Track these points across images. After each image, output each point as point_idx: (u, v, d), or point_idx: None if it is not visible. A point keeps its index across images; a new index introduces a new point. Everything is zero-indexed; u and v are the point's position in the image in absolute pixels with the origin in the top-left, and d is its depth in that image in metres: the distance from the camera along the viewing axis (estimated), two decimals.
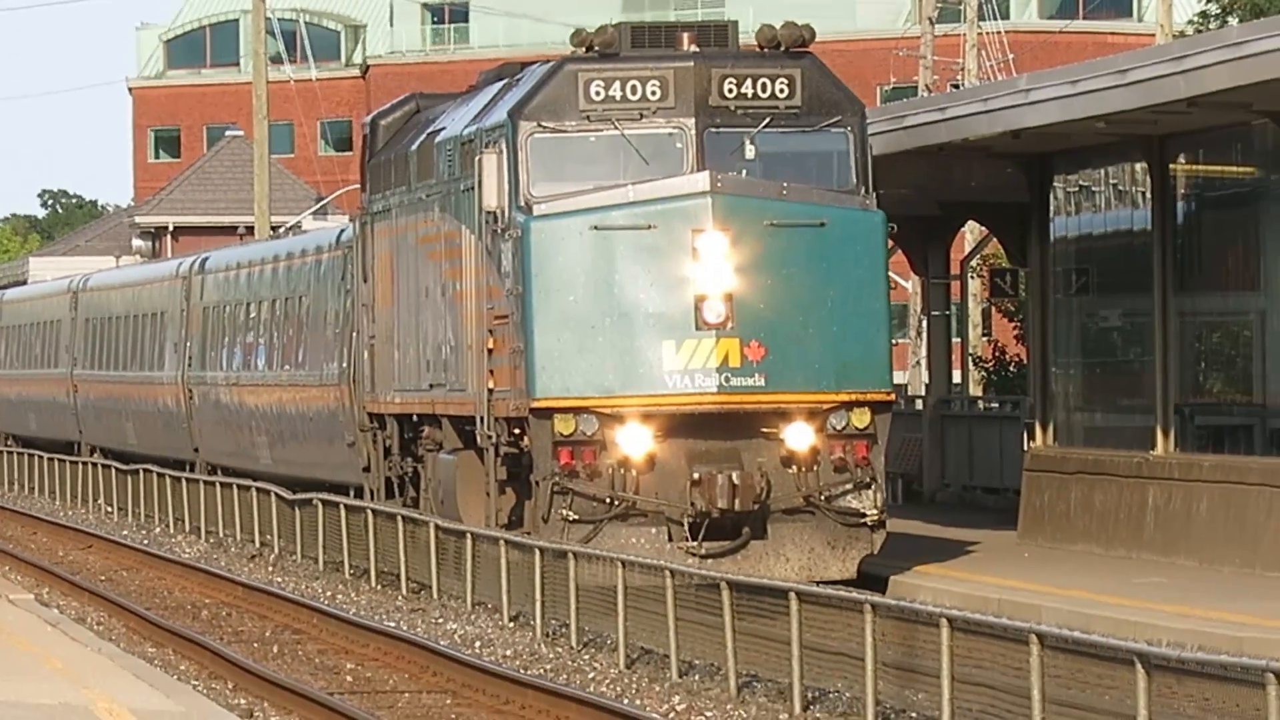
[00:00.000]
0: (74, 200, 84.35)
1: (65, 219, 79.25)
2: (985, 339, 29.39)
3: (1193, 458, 14.50)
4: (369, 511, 15.90)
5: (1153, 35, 29.06)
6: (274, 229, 30.17)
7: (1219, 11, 27.80)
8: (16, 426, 31.61)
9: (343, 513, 16.48)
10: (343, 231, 19.45)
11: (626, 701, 10.39)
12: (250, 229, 32.36)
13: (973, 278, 26.66)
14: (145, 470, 22.54)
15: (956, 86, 29.51)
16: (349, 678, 11.61)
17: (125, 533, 21.34)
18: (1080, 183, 16.22)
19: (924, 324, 22.25)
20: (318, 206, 39.63)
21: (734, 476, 13.09)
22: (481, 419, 14.04)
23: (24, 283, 39.15)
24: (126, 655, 11.89)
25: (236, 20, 55.45)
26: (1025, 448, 17.16)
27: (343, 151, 53.40)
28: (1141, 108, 13.39)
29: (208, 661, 11.97)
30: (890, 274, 13.82)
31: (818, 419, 13.32)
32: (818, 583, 11.70)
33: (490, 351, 13.96)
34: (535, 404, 13.34)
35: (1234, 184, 14.78)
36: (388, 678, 11.56)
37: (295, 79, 45.14)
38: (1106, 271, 15.93)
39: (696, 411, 13.22)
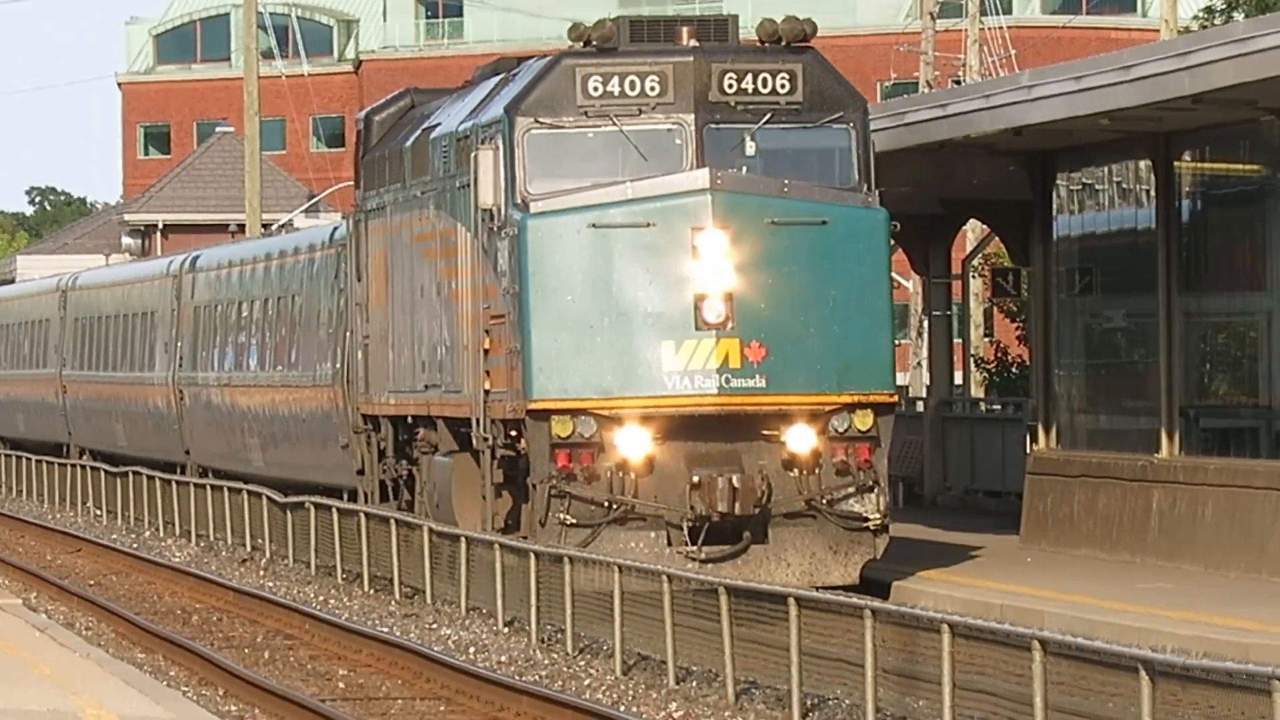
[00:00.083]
0: (62, 197, 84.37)
1: (54, 216, 79.24)
2: (987, 340, 29.41)
3: (1198, 461, 14.49)
4: (362, 515, 15.89)
5: (1157, 31, 29.08)
6: (265, 227, 30.16)
7: (1224, 7, 27.82)
8: (4, 428, 31.58)
9: (335, 516, 16.44)
10: (336, 229, 19.42)
11: (623, 708, 10.39)
12: (241, 227, 32.34)
13: (974, 277, 26.65)
14: (135, 472, 22.51)
15: (958, 82, 29.52)
16: (341, 684, 11.60)
17: (115, 536, 21.32)
18: (1084, 181, 16.20)
19: (925, 324, 22.24)
20: (310, 204, 39.63)
21: (734, 479, 13.07)
22: (477, 421, 14.01)
23: (12, 281, 39.13)
24: (115, 661, 11.85)
25: (228, 14, 55.44)
26: (1028, 450, 17.15)
27: (335, 148, 53.37)
28: (1146, 104, 13.37)
29: (198, 667, 11.95)
30: (891, 273, 13.83)
31: (819, 421, 13.28)
32: (819, 588, 11.68)
33: (486, 352, 13.92)
34: (532, 405, 13.30)
35: (1240, 182, 14.76)
36: (380, 684, 11.54)
37: (287, 74, 45.14)
38: (1110, 271, 15.91)
39: (696, 413, 13.19)
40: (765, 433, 13.27)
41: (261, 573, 17.47)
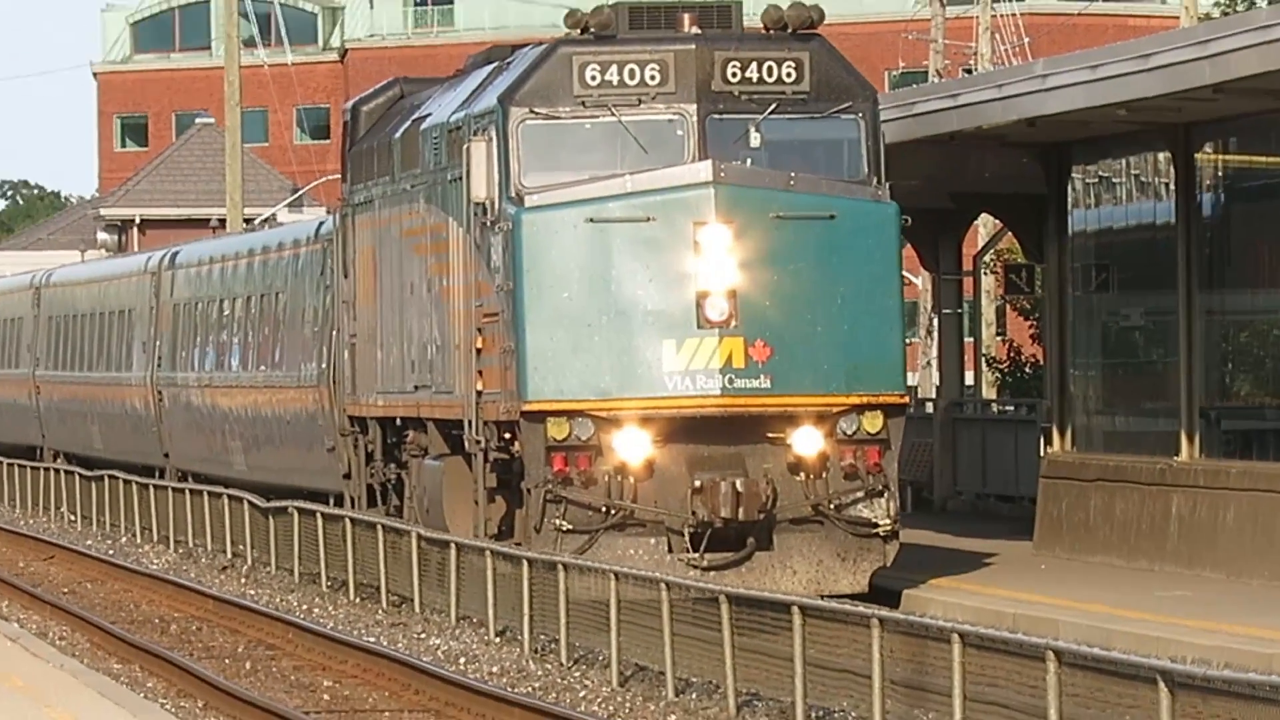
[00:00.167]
0: (36, 191, 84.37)
1: (26, 211, 79.25)
2: (999, 338, 29.39)
3: (1219, 464, 14.47)
4: (347, 520, 15.88)
5: (1177, 18, 29.12)
6: (247, 222, 30.16)
7: None
8: None
9: (320, 521, 16.44)
10: (322, 224, 19.41)
11: None
12: (222, 222, 32.33)
13: (986, 274, 26.68)
14: (111, 476, 22.48)
15: (969, 71, 29.55)
16: (326, 696, 11.58)
17: (90, 543, 21.29)
18: (1100, 173, 16.19)
19: (935, 322, 22.27)
20: (293, 198, 39.64)
21: (738, 484, 13.01)
22: (469, 423, 13.95)
23: None
24: (90, 672, 11.85)
25: (207, 1, 55.40)
26: (1042, 453, 17.14)
27: (320, 140, 53.38)
28: (1165, 94, 13.36)
29: (176, 679, 11.94)
30: (902, 270, 13.74)
31: (827, 423, 13.22)
32: (826, 597, 11.66)
33: (479, 351, 13.87)
34: (527, 407, 13.25)
35: (1263, 175, 14.75)
36: (367, 696, 11.52)
37: (270, 63, 45.13)
38: (1128, 267, 15.89)
39: (698, 415, 13.13)
40: (770, 435, 13.22)
41: (243, 580, 17.45)
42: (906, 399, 13.52)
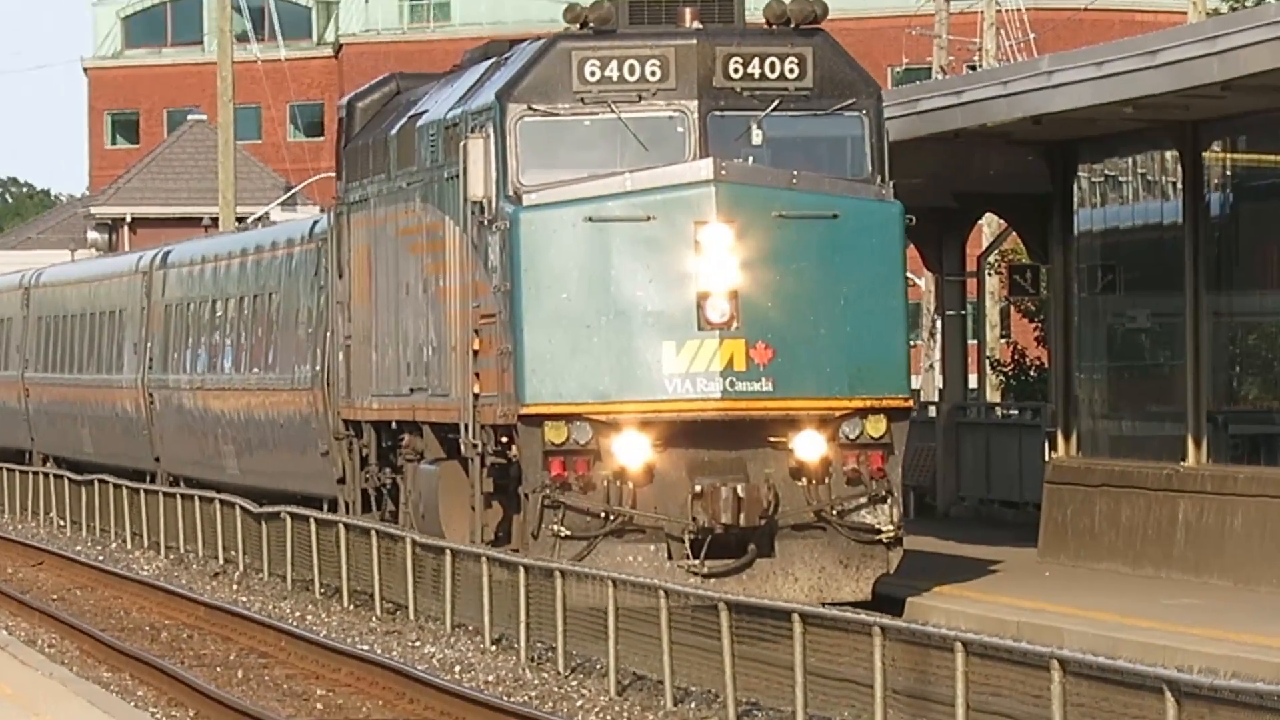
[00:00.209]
0: (25, 189, 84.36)
1: (15, 209, 79.26)
2: (1003, 341, 29.38)
3: (1227, 469, 14.44)
4: (341, 525, 15.83)
5: (1184, 13, 29.09)
6: (240, 220, 30.13)
7: None
8: None
9: (313, 527, 16.41)
10: (316, 223, 19.37)
11: None
12: (215, 220, 32.32)
13: (990, 275, 26.66)
14: (101, 481, 22.45)
15: (973, 68, 29.52)
16: (319, 705, 11.54)
17: (79, 548, 21.27)
18: (1106, 172, 16.17)
19: (938, 324, 22.23)
20: (287, 196, 39.61)
21: (739, 489, 12.96)
22: (466, 426, 13.90)
23: None
24: (80, 680, 11.84)
25: None
26: (1046, 458, 17.10)
27: (314, 137, 53.37)
28: (1172, 91, 13.32)
29: (167, 687, 11.90)
30: (906, 270, 13.69)
31: (829, 427, 13.17)
32: (828, 604, 11.59)
33: (476, 353, 13.82)
34: (524, 410, 13.20)
35: (1272, 174, 14.73)
36: (361, 705, 11.50)
37: (263, 59, 45.11)
38: (1134, 268, 15.86)
39: (699, 419, 13.09)
40: (772, 439, 13.17)
41: (235, 587, 17.43)
42: (911, 402, 13.46)
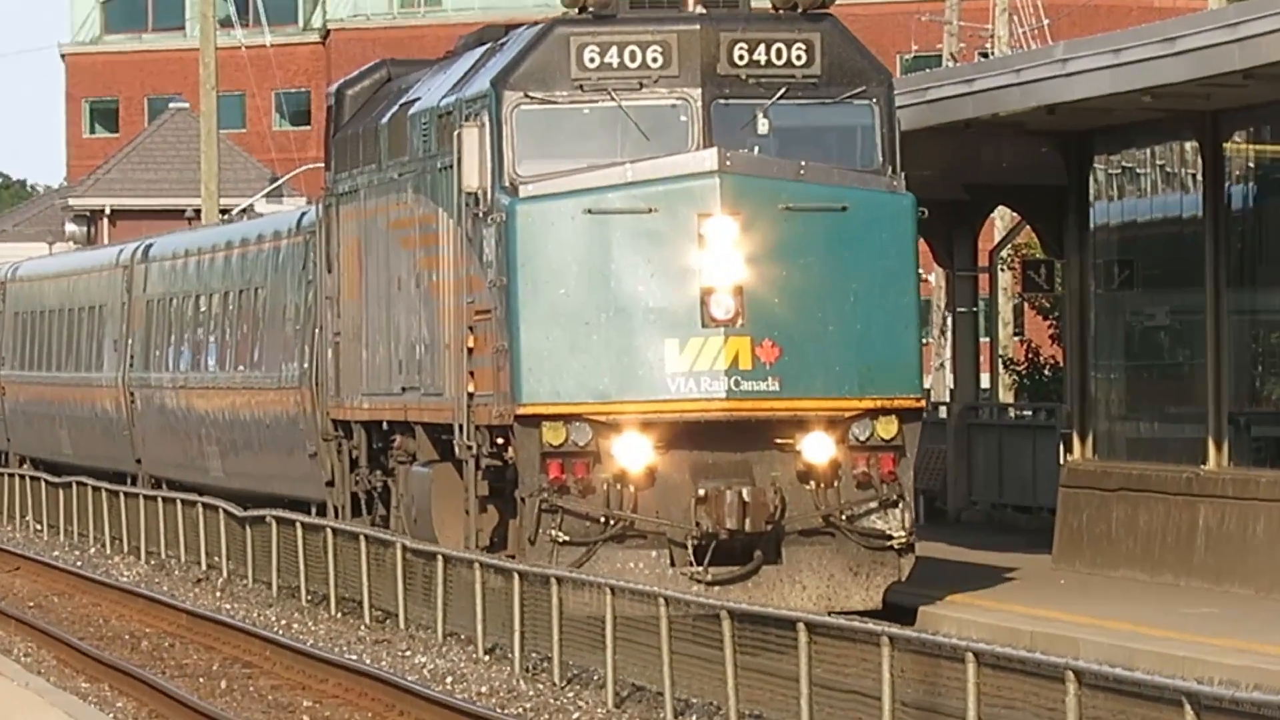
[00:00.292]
0: (0, 180, 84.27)
1: None
2: (1017, 339, 29.38)
3: (1249, 473, 14.40)
4: (328, 530, 15.79)
5: None
6: (224, 212, 30.11)
7: None
8: None
9: (299, 531, 16.34)
10: (304, 215, 19.33)
11: None
12: (198, 212, 32.28)
13: (1003, 270, 26.63)
14: (80, 483, 22.40)
15: (985, 55, 29.49)
16: (305, 717, 11.52)
17: (56, 553, 21.21)
18: (1123, 164, 16.14)
19: (949, 322, 22.21)
20: (272, 187, 39.59)
21: (744, 493, 12.89)
22: (460, 427, 13.83)
23: None
24: (57, 691, 11.78)
25: None
26: (1061, 461, 17.08)
27: (300, 126, 53.32)
28: (1192, 80, 13.27)
29: (148, 698, 11.87)
30: (918, 265, 13.57)
31: (839, 428, 13.10)
32: (837, 613, 11.59)
33: (470, 351, 13.75)
34: (521, 410, 13.13)
35: None
36: (349, 717, 11.46)
37: (247, 45, 45.07)
38: (1153, 263, 15.80)
39: (702, 419, 13.01)
40: (778, 441, 13.10)
41: (218, 594, 17.38)
42: (923, 403, 13.38)
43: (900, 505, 13.15)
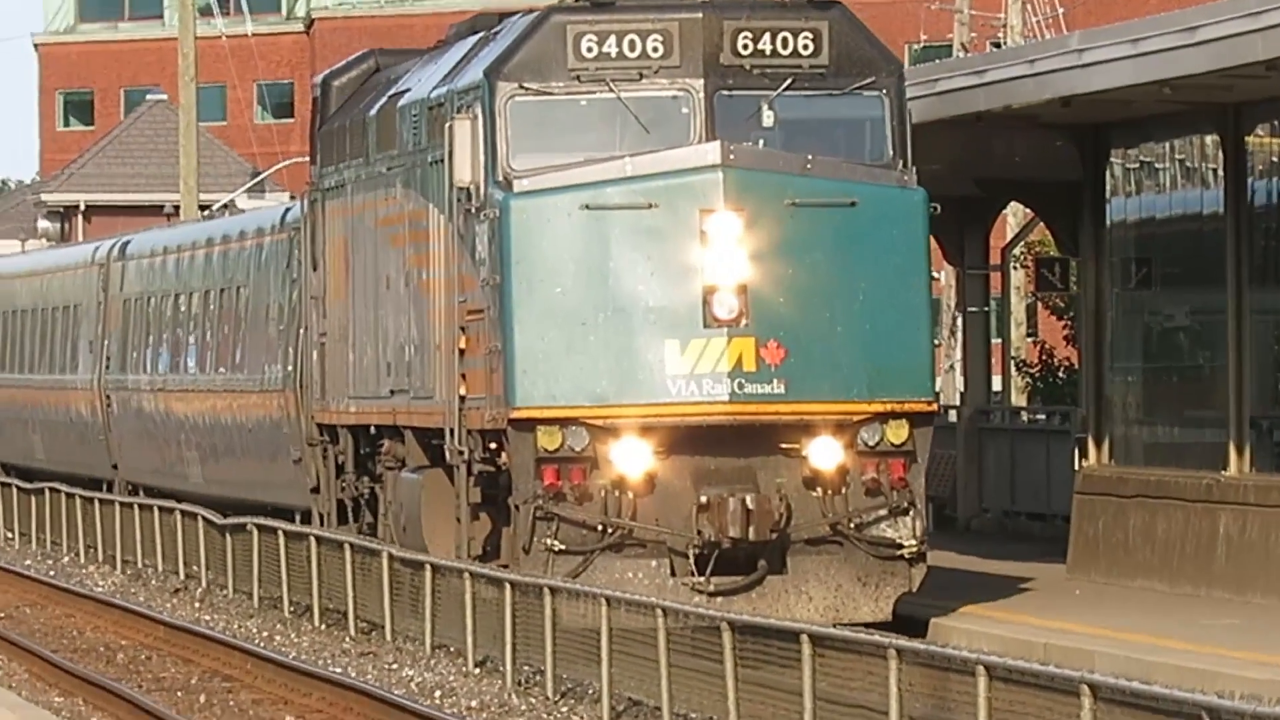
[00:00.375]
0: None
1: None
2: (1030, 340, 29.37)
3: (1272, 479, 14.39)
4: (312, 538, 15.77)
5: None
6: (203, 208, 30.10)
7: None
8: None
9: (282, 539, 16.33)
10: (288, 211, 19.33)
11: None
12: (176, 208, 32.27)
13: (1015, 268, 26.64)
14: (53, 489, 22.40)
15: (998, 45, 29.54)
16: None
17: (29, 563, 21.21)
18: (1141, 158, 16.14)
19: (959, 322, 22.22)
20: (254, 182, 39.62)
21: (748, 500, 12.83)
22: (451, 431, 13.79)
23: None
24: (30, 706, 11.78)
25: None
26: (1076, 467, 17.06)
27: (283, 119, 53.33)
28: (1213, 71, 13.27)
29: (124, 713, 11.85)
30: (930, 263, 13.55)
31: (847, 433, 13.05)
32: (845, 625, 11.52)
33: (462, 352, 13.70)
34: (515, 414, 13.08)
35: None
36: None
37: (228, 34, 45.06)
38: (1172, 261, 15.80)
39: (704, 423, 12.96)
40: (784, 446, 13.04)
41: (197, 605, 17.37)
42: (935, 406, 13.30)
43: (911, 513, 13.09)
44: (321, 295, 16.73)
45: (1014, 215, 26.52)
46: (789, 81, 13.17)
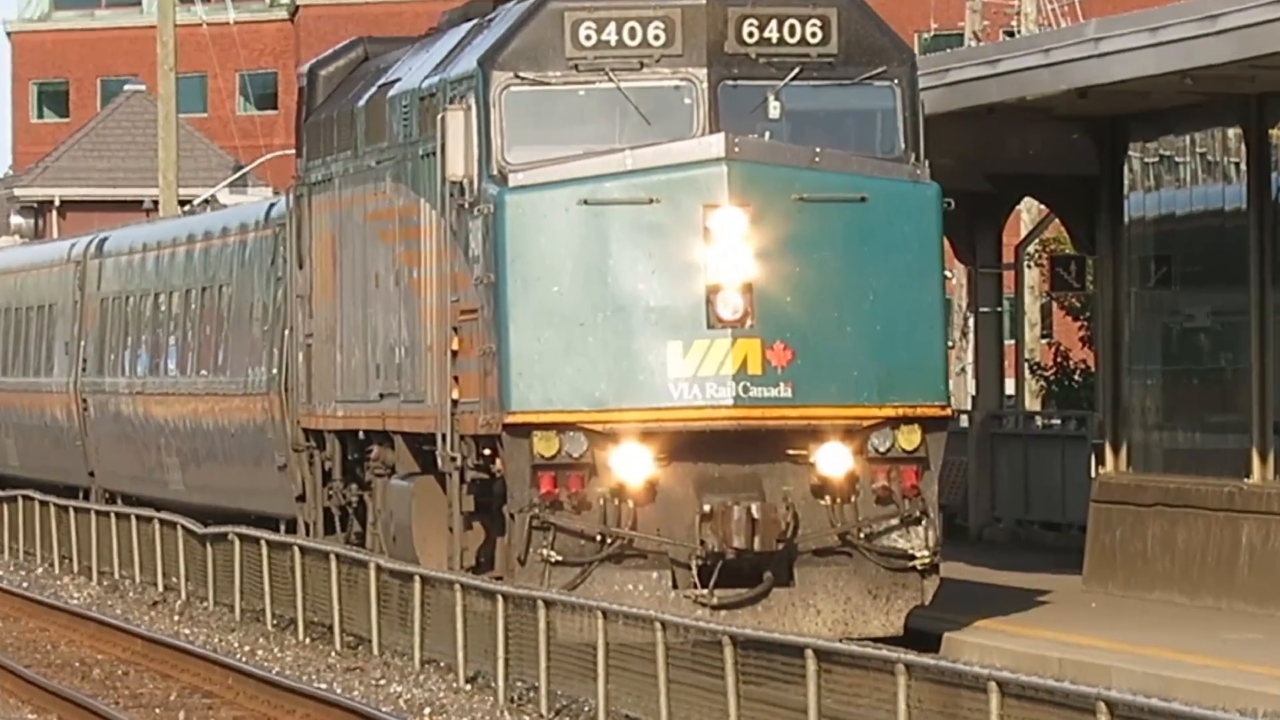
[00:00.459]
0: None
1: None
2: (1045, 341, 29.40)
3: None
4: (296, 548, 15.69)
5: None
6: (183, 204, 30.07)
7: None
8: None
9: (264, 549, 16.25)
10: (273, 206, 19.28)
11: None
12: (156, 204, 32.22)
13: (1029, 267, 26.61)
14: (26, 497, 22.30)
15: (1011, 34, 29.55)
16: None
17: (0, 573, 21.15)
18: (1161, 152, 16.13)
19: (970, 323, 22.20)
20: (236, 176, 39.59)
21: (753, 509, 12.75)
22: (443, 437, 13.71)
23: None
24: None
25: None
26: (1093, 474, 16.96)
27: (266, 110, 53.31)
28: (1236, 61, 13.24)
29: None
30: (944, 260, 13.50)
31: (856, 439, 12.98)
32: (854, 639, 11.47)
33: (455, 354, 13.64)
34: (510, 419, 13.01)
35: None
36: None
37: (209, 22, 45.03)
38: (1192, 259, 15.78)
39: (708, 429, 12.88)
40: (791, 452, 12.97)
41: (176, 618, 17.32)
42: (949, 411, 13.24)
43: (923, 522, 13.00)
44: (308, 294, 16.66)
45: (1028, 212, 26.52)
46: (796, 71, 13.09)
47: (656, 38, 13.03)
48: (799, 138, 13.11)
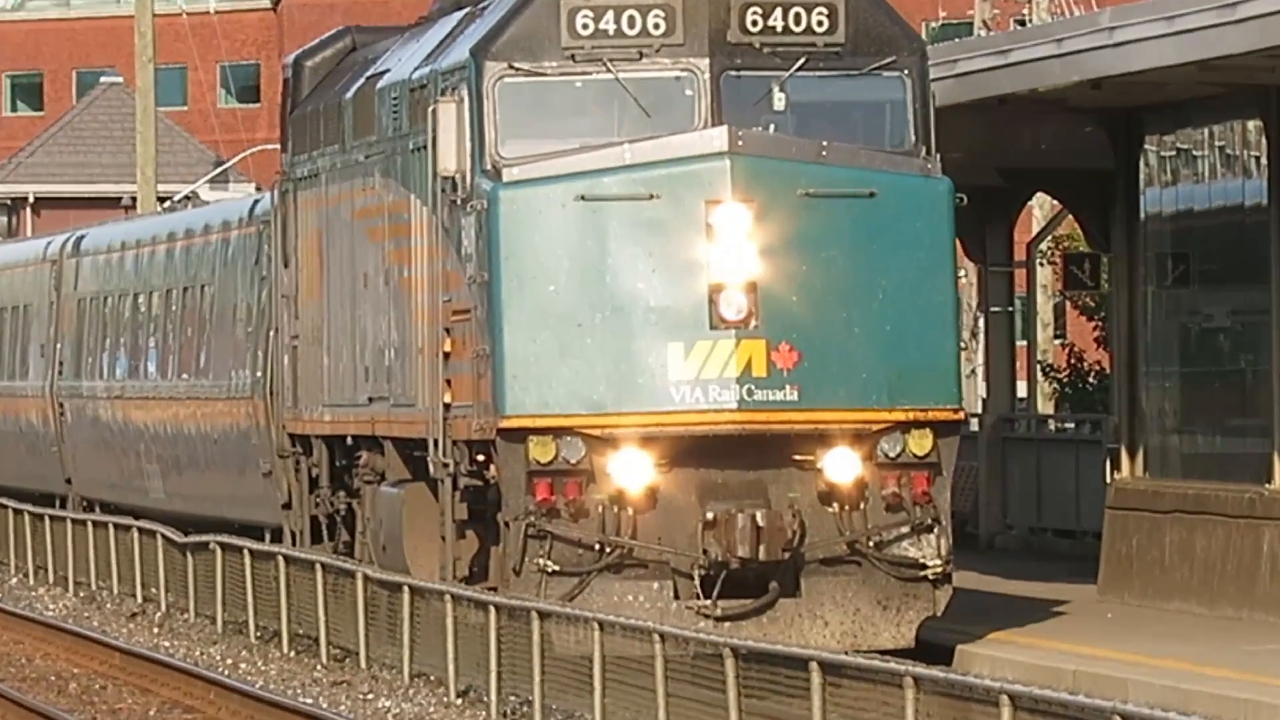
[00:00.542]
0: None
1: None
2: (1058, 342, 29.41)
3: None
4: (280, 558, 15.69)
5: None
6: (162, 200, 30.07)
7: None
8: None
9: (248, 559, 16.25)
10: (257, 203, 19.28)
11: None
12: (134, 200, 32.22)
13: (1042, 265, 26.68)
14: (0, 505, 22.39)
15: (1022, 23, 29.54)
16: None
17: None
18: (1178, 145, 16.15)
19: (981, 323, 22.21)
20: (217, 172, 39.58)
21: (758, 517, 12.72)
22: (435, 442, 13.68)
23: None
24: None
25: None
26: (1108, 480, 17.01)
27: (249, 103, 53.29)
28: (1256, 51, 13.25)
29: None
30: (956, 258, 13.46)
31: (865, 443, 12.96)
32: (861, 652, 11.47)
33: (447, 356, 13.62)
34: (504, 423, 12.97)
35: None
36: None
37: (189, 11, 45.02)
38: (1211, 257, 15.81)
39: (711, 433, 12.85)
40: (797, 458, 12.94)
41: (155, 630, 17.32)
42: (962, 414, 13.21)
43: (935, 530, 12.98)
44: (293, 294, 16.64)
45: (1040, 207, 26.54)
46: (802, 61, 13.06)
47: (656, 27, 12.99)
48: (805, 130, 13.07)
